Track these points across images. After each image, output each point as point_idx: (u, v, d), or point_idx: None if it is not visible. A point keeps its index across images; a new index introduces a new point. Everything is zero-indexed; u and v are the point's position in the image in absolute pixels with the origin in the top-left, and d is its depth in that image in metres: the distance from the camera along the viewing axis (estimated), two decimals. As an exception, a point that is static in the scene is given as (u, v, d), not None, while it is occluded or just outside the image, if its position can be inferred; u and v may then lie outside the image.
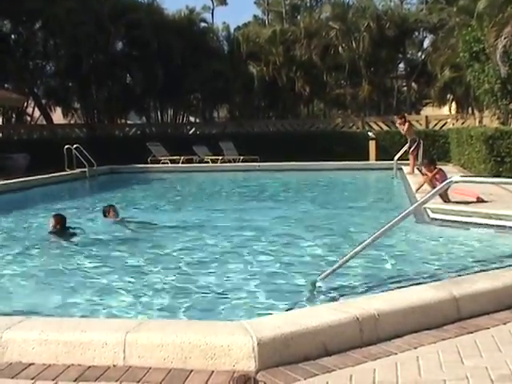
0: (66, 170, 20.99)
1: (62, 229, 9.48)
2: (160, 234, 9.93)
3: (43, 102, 32.81)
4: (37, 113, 33.58)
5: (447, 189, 10.25)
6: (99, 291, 6.48)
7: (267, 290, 6.27)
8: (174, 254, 8.30)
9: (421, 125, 27.18)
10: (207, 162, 24.99)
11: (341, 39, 30.61)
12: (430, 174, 11.62)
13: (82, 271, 7.47)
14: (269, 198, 15.42)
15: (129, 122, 35.67)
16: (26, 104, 31.17)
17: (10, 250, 8.86)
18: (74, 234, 9.52)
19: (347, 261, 6.03)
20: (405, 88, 35.85)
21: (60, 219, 9.57)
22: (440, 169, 11.75)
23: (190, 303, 5.94)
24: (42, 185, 18.16)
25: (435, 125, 27.26)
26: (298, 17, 41.10)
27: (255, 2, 52.16)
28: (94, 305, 6.02)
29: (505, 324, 4.72)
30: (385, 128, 27.39)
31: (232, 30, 34.91)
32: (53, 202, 15.18)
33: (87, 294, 6.37)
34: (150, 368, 3.95)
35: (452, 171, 16.15)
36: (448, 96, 30.32)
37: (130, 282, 6.81)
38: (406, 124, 18.26)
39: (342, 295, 5.82)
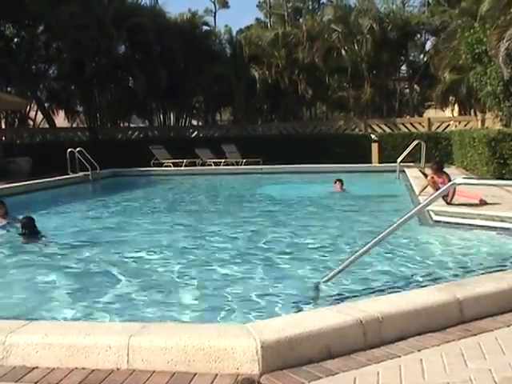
0: (68, 174, 21.01)
1: (31, 232, 9.54)
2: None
3: (46, 105, 32.91)
4: (39, 116, 33.67)
5: (454, 191, 10.32)
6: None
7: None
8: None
9: (423, 127, 27.19)
10: (210, 165, 25.01)
11: (343, 42, 30.66)
12: (435, 177, 11.66)
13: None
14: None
15: (131, 125, 35.75)
16: (28, 108, 31.23)
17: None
18: (42, 237, 9.60)
19: (351, 263, 6.02)
20: (407, 90, 35.89)
21: (28, 222, 9.62)
22: (446, 174, 11.79)
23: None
24: (47, 188, 18.20)
25: (438, 127, 27.24)
26: (301, 19, 41.24)
27: (257, 5, 52.44)
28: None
29: (508, 326, 4.71)
30: (387, 130, 27.39)
31: (234, 33, 35.13)
32: (57, 205, 15.25)
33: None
34: (154, 371, 3.96)
35: (455, 173, 16.14)
36: (450, 98, 30.33)
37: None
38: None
39: (346, 298, 5.82)
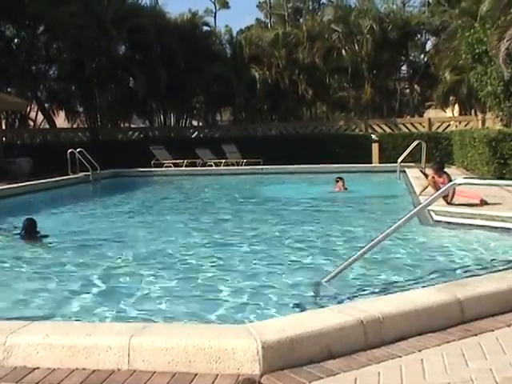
0: (69, 174, 21.01)
1: (32, 232, 9.53)
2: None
3: (46, 106, 32.90)
4: (40, 117, 33.66)
5: (453, 191, 10.32)
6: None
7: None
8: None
9: (424, 127, 27.19)
10: (210, 166, 25.01)
11: (343, 42, 30.65)
12: (435, 177, 11.67)
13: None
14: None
15: (132, 125, 35.73)
16: (28, 108, 31.23)
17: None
18: (42, 238, 9.57)
19: (351, 263, 6.02)
20: (407, 90, 35.87)
21: (29, 223, 9.62)
22: (447, 173, 11.79)
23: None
24: (48, 188, 18.20)
25: (438, 127, 27.23)
26: (301, 20, 41.19)
27: (257, 6, 52.39)
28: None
29: (509, 326, 4.71)
30: (388, 130, 27.38)
31: (234, 34, 35.08)
32: (57, 205, 15.26)
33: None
34: (155, 372, 3.96)
35: (455, 173, 16.14)
36: (451, 98, 30.31)
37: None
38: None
39: (347, 298, 5.82)
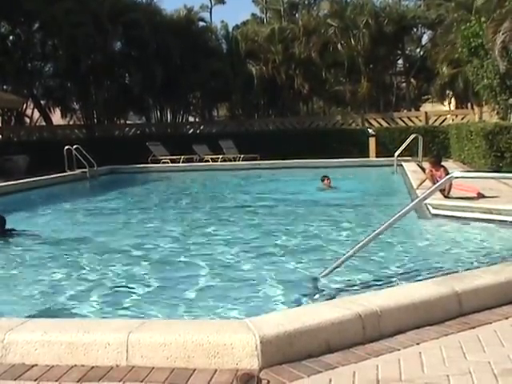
0: (66, 171, 20.99)
1: (1, 230, 9.41)
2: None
3: (42, 103, 32.83)
4: (36, 114, 33.61)
5: (450, 184, 10.32)
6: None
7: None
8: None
9: (420, 121, 27.21)
10: (207, 161, 25.00)
11: (339, 36, 30.61)
12: (432, 171, 11.67)
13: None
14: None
15: (128, 122, 35.68)
16: (25, 105, 31.15)
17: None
18: (13, 236, 9.44)
19: (349, 257, 6.02)
20: (404, 84, 35.85)
21: None
22: (444, 167, 11.80)
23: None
24: (45, 186, 18.15)
25: (435, 121, 27.25)
26: (297, 14, 41.07)
27: (253, 1, 52.05)
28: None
29: (507, 319, 4.72)
30: (384, 125, 27.39)
31: (230, 29, 34.92)
32: (56, 202, 15.23)
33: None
34: (153, 367, 3.95)
35: (452, 167, 16.16)
36: (447, 92, 30.32)
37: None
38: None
39: (344, 292, 5.82)
